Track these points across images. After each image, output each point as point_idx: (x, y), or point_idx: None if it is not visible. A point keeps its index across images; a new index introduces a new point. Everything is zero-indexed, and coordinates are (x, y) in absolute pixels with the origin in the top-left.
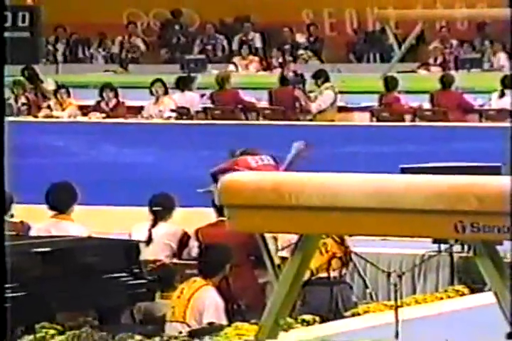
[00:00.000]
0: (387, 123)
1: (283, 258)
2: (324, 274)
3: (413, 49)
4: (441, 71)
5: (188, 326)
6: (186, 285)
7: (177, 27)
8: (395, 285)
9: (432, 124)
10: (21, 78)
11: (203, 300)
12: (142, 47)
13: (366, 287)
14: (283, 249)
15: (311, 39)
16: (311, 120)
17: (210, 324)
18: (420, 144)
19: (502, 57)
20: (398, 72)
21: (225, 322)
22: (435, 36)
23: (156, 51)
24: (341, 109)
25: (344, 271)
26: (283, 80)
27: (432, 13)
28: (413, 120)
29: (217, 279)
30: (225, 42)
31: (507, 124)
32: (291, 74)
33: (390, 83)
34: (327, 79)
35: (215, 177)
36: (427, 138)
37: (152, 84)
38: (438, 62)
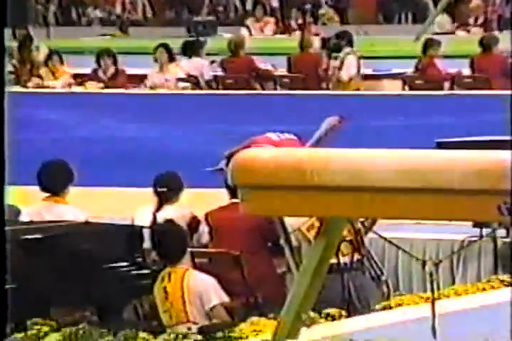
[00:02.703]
0: (421, 92)
1: None
2: (333, 260)
3: (451, 7)
4: (483, 32)
5: (195, 324)
6: (166, 284)
7: None
8: (431, 274)
9: (472, 93)
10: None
11: (194, 286)
12: (146, 7)
13: (382, 273)
14: None
15: None
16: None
17: (214, 307)
18: (459, 115)
19: None
20: (434, 34)
21: (226, 298)
22: None
23: (160, 12)
24: (368, 77)
25: (357, 256)
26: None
27: None
28: (451, 88)
29: (187, 261)
30: (237, 2)
31: None
32: (312, 37)
33: (431, 46)
34: (350, 43)
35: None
36: (467, 109)
37: (155, 49)
38: (479, 22)
